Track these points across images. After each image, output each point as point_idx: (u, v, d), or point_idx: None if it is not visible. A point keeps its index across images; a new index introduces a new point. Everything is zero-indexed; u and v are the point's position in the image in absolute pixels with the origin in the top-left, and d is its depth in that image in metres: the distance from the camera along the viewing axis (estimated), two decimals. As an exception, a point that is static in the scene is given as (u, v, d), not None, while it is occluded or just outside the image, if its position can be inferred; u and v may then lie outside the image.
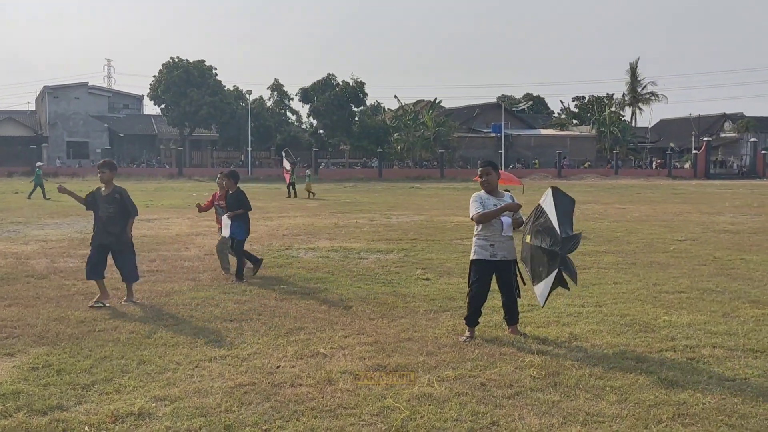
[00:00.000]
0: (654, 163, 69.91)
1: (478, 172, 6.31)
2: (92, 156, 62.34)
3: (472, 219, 6.20)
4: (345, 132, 62.71)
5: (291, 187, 30.08)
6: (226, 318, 6.88)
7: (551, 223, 5.84)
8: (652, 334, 6.33)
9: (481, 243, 6.15)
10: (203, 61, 59.94)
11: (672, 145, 70.96)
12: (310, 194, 29.42)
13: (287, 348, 5.79)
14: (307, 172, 31.79)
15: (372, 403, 4.52)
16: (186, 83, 57.47)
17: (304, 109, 66.14)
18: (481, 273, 6.15)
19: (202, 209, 10.51)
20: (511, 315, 6.30)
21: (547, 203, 5.95)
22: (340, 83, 62.52)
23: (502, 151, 63.27)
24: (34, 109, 72.47)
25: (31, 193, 28.37)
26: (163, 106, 59.81)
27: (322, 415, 4.31)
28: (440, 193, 35.31)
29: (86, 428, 4.08)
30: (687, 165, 68.21)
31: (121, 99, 73.12)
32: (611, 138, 70.57)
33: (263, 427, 4.13)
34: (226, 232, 9.15)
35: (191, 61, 59.40)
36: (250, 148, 58.48)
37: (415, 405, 4.49)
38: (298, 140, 65.75)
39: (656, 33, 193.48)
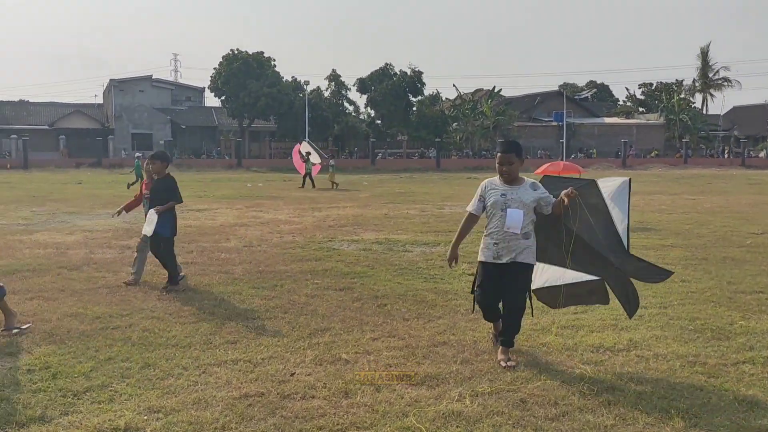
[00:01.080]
0: (726, 151, 66.55)
1: (497, 159, 4.99)
2: (155, 148, 63.63)
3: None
4: (403, 122, 61.97)
5: (308, 177, 28.84)
6: (249, 316, 6.38)
7: (614, 224, 4.82)
8: (727, 342, 5.50)
9: (486, 241, 5.02)
10: (262, 52, 60.15)
11: (736, 133, 67.26)
12: (333, 185, 28.59)
13: (307, 352, 5.23)
14: (331, 162, 30.75)
15: (390, 422, 3.91)
16: (245, 75, 57.82)
17: (361, 100, 65.88)
18: (485, 278, 5.02)
19: (130, 207, 8.36)
20: (507, 333, 5.00)
21: (616, 193, 4.86)
22: (398, 73, 61.76)
23: (564, 140, 61.36)
24: (101, 102, 74.56)
25: (133, 183, 28.10)
26: (223, 97, 60.38)
27: (330, 436, 3.74)
28: (498, 184, 34.17)
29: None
30: (762, 154, 64.67)
31: (184, 91, 74.34)
32: (680, 126, 67.46)
33: (261, 449, 3.58)
34: (148, 230, 7.40)
35: (250, 52, 59.77)
36: (307, 139, 58.46)
37: (440, 426, 3.86)
38: (356, 130, 65.42)
39: (729, 15, 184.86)
